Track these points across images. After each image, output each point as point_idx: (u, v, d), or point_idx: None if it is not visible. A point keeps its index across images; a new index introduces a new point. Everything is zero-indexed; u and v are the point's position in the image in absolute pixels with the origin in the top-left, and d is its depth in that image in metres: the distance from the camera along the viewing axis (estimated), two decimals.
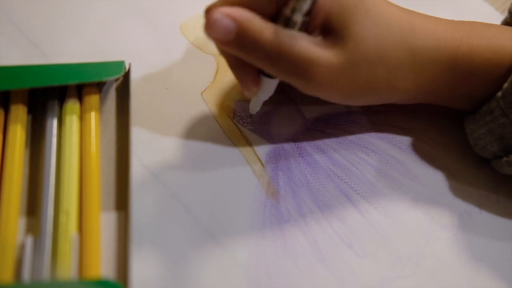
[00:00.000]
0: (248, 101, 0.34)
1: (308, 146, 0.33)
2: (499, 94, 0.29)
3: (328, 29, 0.28)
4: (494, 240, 0.30)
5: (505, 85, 0.29)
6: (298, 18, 0.27)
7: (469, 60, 0.29)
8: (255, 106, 0.33)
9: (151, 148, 0.32)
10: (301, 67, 0.27)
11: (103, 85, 0.34)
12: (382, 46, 0.28)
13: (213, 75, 0.35)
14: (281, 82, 0.30)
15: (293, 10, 0.26)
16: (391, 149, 0.33)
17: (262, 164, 0.32)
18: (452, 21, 0.30)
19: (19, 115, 0.31)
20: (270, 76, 0.30)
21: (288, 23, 0.27)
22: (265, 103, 0.33)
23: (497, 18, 0.38)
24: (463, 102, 0.31)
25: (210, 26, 0.27)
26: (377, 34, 0.28)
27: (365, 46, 0.28)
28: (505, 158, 0.30)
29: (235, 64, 0.30)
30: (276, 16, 0.27)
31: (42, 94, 0.33)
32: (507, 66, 0.29)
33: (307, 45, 0.27)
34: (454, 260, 0.29)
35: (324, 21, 0.28)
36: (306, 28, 0.28)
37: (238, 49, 0.28)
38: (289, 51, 0.27)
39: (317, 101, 0.34)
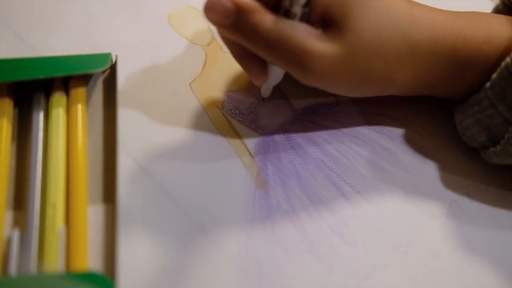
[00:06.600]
0: (236, 92, 0.34)
1: (297, 136, 0.33)
2: (488, 84, 0.29)
3: (327, 22, 0.28)
4: (483, 228, 0.30)
5: (494, 75, 0.28)
6: (297, 10, 0.27)
7: (466, 53, 0.29)
8: (266, 91, 0.33)
9: (139, 140, 0.31)
10: (299, 57, 0.27)
11: (90, 78, 0.34)
12: (381, 38, 0.28)
13: (201, 66, 0.35)
14: None
15: (291, 3, 0.26)
16: (381, 139, 0.33)
17: (251, 155, 0.32)
18: (452, 12, 0.30)
19: (5, 108, 0.31)
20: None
21: (288, 15, 0.27)
22: (253, 95, 0.34)
23: (488, 6, 0.38)
24: (460, 94, 0.31)
25: (209, 7, 0.27)
26: (378, 25, 0.28)
27: (364, 39, 0.28)
28: (492, 149, 0.30)
29: (240, 55, 0.30)
30: (277, 7, 0.27)
31: (28, 87, 0.33)
32: (497, 56, 0.29)
33: (306, 37, 0.27)
34: (443, 248, 0.29)
35: (324, 13, 0.28)
36: (307, 20, 0.28)
37: (237, 34, 0.28)
38: (288, 40, 0.27)
39: (306, 92, 0.34)
